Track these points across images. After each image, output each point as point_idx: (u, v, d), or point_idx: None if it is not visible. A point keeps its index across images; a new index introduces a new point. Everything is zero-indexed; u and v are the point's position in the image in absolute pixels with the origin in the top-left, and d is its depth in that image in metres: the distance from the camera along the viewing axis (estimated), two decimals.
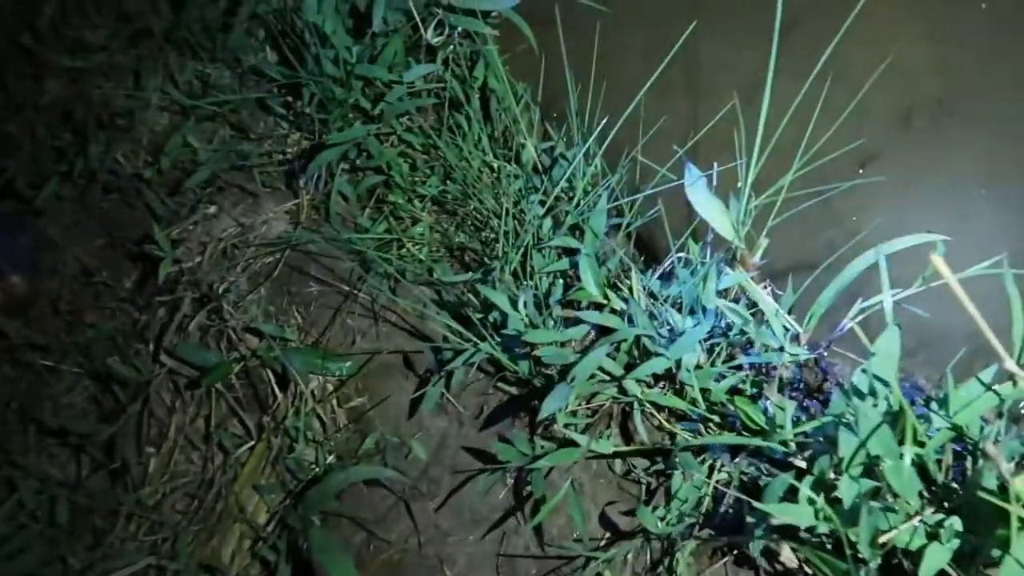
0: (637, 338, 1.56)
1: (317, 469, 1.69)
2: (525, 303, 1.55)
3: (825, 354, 1.60)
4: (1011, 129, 1.96)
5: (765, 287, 1.59)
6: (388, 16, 1.80)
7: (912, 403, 1.28)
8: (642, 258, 1.96)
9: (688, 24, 2.13)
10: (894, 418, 1.16)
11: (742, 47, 2.17)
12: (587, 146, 1.72)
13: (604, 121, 1.77)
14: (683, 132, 1.96)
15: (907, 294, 1.44)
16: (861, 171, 1.98)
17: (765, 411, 1.45)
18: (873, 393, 1.17)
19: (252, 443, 1.74)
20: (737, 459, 1.47)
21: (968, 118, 2.00)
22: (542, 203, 1.78)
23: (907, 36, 2.08)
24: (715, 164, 1.66)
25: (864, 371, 1.18)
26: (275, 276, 1.84)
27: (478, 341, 1.57)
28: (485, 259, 1.85)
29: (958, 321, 1.45)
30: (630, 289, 1.60)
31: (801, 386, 1.65)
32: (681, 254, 1.56)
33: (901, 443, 1.16)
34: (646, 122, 1.95)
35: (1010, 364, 0.82)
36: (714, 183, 1.62)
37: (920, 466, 1.18)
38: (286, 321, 1.81)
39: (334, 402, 1.77)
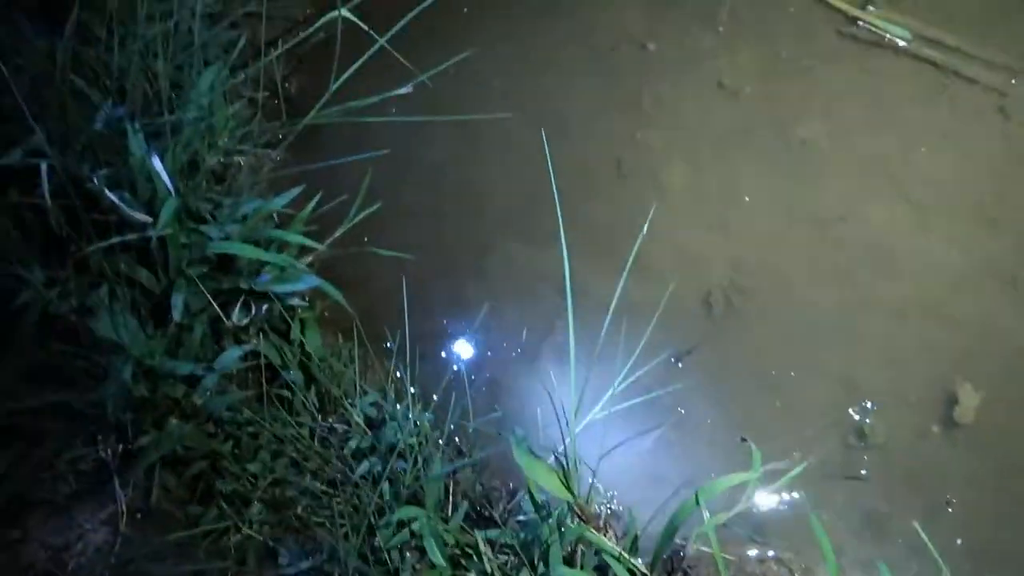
0: None
1: None
2: None
3: None
4: (798, 307, 2.17)
5: (606, 531, 1.62)
6: (190, 302, 1.76)
7: None
8: (493, 490, 1.95)
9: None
10: None
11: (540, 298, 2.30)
12: (412, 401, 1.72)
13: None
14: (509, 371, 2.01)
15: (732, 514, 1.52)
16: (680, 364, 2.10)
17: None
18: None
19: None
20: None
21: (758, 295, 2.19)
22: (374, 464, 1.74)
23: (695, 227, 2.29)
24: (539, 410, 1.71)
25: None
26: None
27: None
28: (330, 529, 1.77)
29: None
30: (478, 551, 1.57)
31: None
32: (524, 517, 1.56)
33: None
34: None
35: None
36: (540, 436, 1.66)
37: None
38: None
39: None
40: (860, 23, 2.48)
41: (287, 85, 2.44)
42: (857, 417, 2.02)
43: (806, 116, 2.40)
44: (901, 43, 2.43)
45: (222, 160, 2.01)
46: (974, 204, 2.26)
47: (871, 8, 2.48)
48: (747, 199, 2.29)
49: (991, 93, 2.36)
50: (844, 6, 2.50)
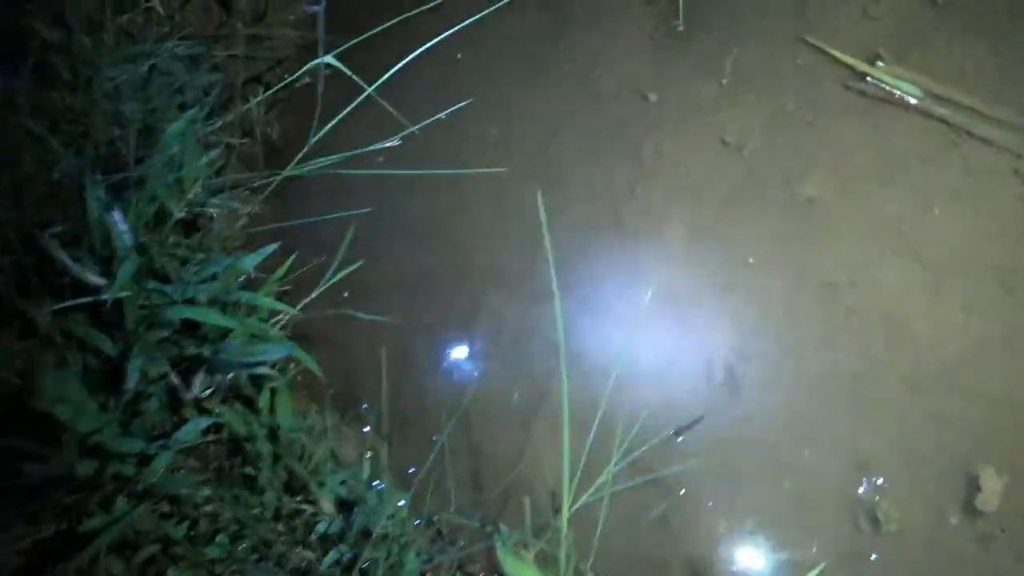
0: None
1: None
2: None
3: None
4: (805, 378, 2.03)
5: None
6: (148, 369, 1.61)
7: None
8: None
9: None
10: None
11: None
12: (388, 479, 1.57)
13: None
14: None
15: None
16: (680, 439, 1.96)
17: None
18: None
19: None
20: None
21: (763, 365, 2.05)
22: (344, 552, 1.58)
23: (695, 289, 2.16)
24: (527, 499, 1.56)
25: None
26: None
27: None
28: None
29: None
30: None
31: None
32: None
33: None
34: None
35: None
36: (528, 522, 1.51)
37: None
38: None
39: None
40: (868, 78, 2.38)
41: (268, 129, 2.32)
42: (869, 502, 1.87)
43: (813, 173, 2.28)
44: (911, 100, 2.34)
45: (193, 211, 1.88)
46: (990, 268, 2.14)
47: (880, 63, 2.39)
48: (751, 260, 2.16)
49: (1005, 154, 2.25)
50: (852, 60, 2.40)
